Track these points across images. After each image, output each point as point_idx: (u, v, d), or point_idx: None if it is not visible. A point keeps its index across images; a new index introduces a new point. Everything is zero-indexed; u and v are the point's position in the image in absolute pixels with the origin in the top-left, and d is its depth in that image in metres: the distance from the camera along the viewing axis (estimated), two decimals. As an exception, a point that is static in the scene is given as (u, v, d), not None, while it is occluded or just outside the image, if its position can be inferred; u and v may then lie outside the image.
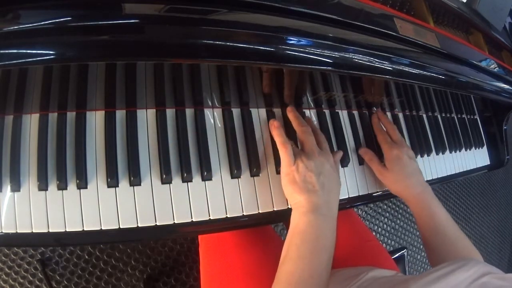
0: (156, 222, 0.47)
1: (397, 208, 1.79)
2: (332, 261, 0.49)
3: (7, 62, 0.34)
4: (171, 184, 0.49)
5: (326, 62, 0.48)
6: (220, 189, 0.51)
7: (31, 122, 0.46)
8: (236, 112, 0.55)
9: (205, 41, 0.40)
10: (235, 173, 0.52)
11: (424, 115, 0.80)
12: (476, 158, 0.92)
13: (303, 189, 0.50)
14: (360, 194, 0.63)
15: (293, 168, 0.51)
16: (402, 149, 0.63)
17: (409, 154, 0.63)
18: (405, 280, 0.45)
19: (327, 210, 0.50)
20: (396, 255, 0.96)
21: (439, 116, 0.84)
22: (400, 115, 0.75)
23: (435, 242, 0.58)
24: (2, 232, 0.42)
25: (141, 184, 0.47)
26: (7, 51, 0.33)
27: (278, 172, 0.55)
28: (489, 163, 0.97)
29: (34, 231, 0.43)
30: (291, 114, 0.58)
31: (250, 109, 0.56)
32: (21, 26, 0.34)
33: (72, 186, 0.45)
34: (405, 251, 0.98)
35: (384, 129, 0.68)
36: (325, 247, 0.48)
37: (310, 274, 0.45)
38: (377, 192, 0.66)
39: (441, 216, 0.59)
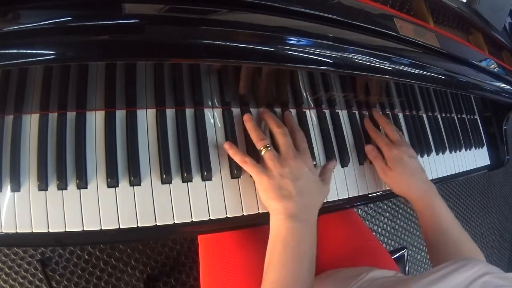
0: (156, 222, 0.47)
1: (397, 208, 1.79)
2: (315, 265, 0.49)
3: (7, 62, 0.34)
4: (171, 184, 0.49)
5: (326, 62, 0.48)
6: (220, 189, 0.51)
7: (31, 122, 0.45)
8: (236, 112, 0.55)
9: (205, 41, 0.40)
10: (235, 173, 0.52)
11: (424, 115, 0.80)
12: (476, 158, 0.92)
13: (279, 195, 0.48)
14: (360, 194, 0.63)
15: (264, 177, 0.49)
16: (401, 149, 0.62)
17: (409, 153, 0.63)
18: (405, 280, 0.45)
19: (306, 215, 0.49)
20: (396, 255, 0.96)
21: (439, 116, 0.84)
22: (400, 115, 0.75)
23: (438, 242, 0.58)
24: (2, 232, 0.42)
25: (141, 184, 0.47)
26: (7, 51, 0.33)
27: (278, 172, 0.55)
28: (489, 163, 0.97)
29: (34, 231, 0.43)
30: (265, 114, 0.55)
31: (250, 109, 0.56)
32: (21, 26, 0.34)
33: (72, 186, 0.45)
34: (405, 251, 0.98)
35: (381, 129, 0.67)
36: (306, 253, 0.47)
37: (294, 280, 0.45)
38: (377, 192, 0.66)
39: (445, 216, 0.59)
